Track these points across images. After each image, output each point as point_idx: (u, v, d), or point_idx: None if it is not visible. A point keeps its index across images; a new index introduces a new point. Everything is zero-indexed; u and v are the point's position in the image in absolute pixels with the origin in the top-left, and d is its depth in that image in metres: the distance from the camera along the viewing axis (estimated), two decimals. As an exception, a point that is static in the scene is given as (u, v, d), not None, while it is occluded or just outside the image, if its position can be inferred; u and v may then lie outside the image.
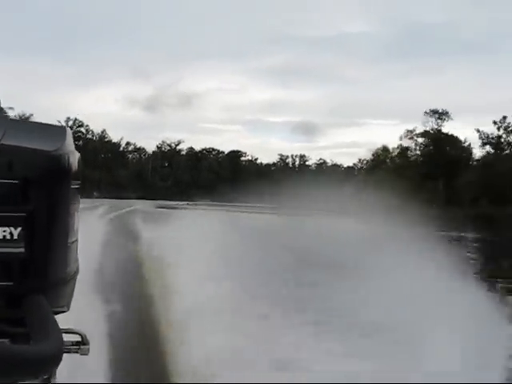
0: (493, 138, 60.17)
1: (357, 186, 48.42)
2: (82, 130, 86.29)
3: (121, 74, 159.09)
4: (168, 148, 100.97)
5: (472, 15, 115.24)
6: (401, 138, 65.33)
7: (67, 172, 1.27)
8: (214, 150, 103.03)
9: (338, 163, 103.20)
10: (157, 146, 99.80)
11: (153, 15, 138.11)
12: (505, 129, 60.97)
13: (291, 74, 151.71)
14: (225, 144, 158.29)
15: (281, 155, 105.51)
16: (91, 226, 15.48)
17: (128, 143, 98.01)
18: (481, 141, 58.07)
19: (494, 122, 60.78)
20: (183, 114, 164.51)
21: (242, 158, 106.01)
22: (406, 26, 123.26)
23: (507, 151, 59.86)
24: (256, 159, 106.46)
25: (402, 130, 71.86)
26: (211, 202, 65.40)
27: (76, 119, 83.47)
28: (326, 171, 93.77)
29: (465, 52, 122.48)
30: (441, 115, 62.66)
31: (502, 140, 60.38)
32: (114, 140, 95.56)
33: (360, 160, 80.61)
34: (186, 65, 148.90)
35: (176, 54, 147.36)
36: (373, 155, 67.09)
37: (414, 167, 45.19)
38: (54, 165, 1.24)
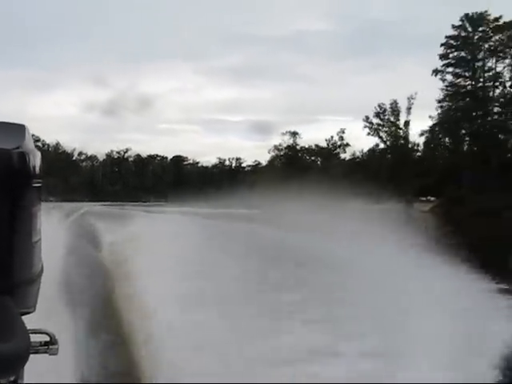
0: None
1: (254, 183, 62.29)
2: (39, 144, 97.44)
3: (77, 78, 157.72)
4: (117, 155, 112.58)
5: (428, 12, 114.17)
6: (269, 152, 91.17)
7: (28, 171, 1.26)
8: (158, 155, 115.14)
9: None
10: (106, 155, 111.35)
11: (108, 17, 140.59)
12: (340, 138, 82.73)
13: (249, 74, 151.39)
14: (183, 144, 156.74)
15: (219, 158, 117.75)
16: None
17: (80, 153, 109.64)
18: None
19: (337, 133, 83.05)
20: (141, 116, 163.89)
21: (185, 162, 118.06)
22: (362, 23, 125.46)
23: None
24: (197, 163, 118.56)
25: (357, 125, 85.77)
26: (153, 203, 77.63)
27: (33, 134, 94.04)
28: (262, 170, 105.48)
29: (420, 48, 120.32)
30: (294, 134, 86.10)
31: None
32: (68, 150, 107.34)
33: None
34: (142, 67, 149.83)
35: (132, 56, 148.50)
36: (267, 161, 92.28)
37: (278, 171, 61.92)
38: (15, 163, 1.22)
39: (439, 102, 62.19)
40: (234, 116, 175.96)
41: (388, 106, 69.47)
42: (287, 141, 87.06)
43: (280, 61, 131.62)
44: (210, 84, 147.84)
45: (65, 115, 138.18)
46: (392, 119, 68.17)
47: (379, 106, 69.21)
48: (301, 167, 67.89)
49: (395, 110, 68.31)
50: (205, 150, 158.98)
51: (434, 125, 62.41)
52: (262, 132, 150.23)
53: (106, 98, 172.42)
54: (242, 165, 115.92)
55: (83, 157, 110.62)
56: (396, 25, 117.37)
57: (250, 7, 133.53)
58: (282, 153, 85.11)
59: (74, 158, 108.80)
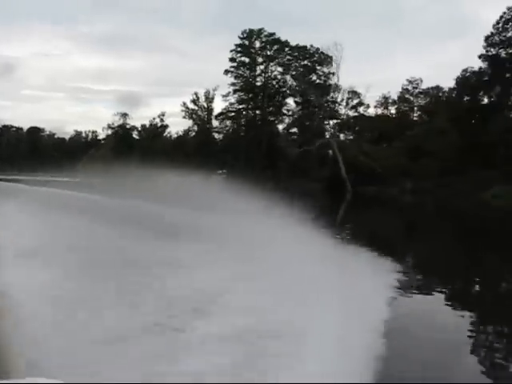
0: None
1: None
2: None
3: None
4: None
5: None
6: (102, 130, 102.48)
7: None
8: (13, 126, 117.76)
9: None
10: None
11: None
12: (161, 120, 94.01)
13: (118, 43, 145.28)
14: (46, 112, 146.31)
15: (76, 131, 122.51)
16: None
17: None
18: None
19: (153, 118, 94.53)
20: (3, 81, 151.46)
21: (42, 133, 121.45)
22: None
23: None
24: (54, 134, 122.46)
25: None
26: (5, 172, 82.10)
27: None
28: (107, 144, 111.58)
29: (292, 25, 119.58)
30: (124, 115, 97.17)
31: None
32: None
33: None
34: (5, 29, 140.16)
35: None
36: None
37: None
38: None
39: (223, 96, 77.42)
40: (101, 85, 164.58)
41: (202, 94, 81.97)
42: (118, 121, 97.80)
43: (151, 31, 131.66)
44: (79, 51, 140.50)
45: None
46: (205, 105, 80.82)
47: (195, 93, 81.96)
48: (131, 144, 78.81)
49: (208, 98, 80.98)
50: (70, 119, 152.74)
51: (220, 114, 78.00)
52: (130, 103, 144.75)
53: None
54: (98, 137, 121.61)
55: None
56: (268, 1, 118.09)
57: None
58: (114, 131, 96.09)
59: None
